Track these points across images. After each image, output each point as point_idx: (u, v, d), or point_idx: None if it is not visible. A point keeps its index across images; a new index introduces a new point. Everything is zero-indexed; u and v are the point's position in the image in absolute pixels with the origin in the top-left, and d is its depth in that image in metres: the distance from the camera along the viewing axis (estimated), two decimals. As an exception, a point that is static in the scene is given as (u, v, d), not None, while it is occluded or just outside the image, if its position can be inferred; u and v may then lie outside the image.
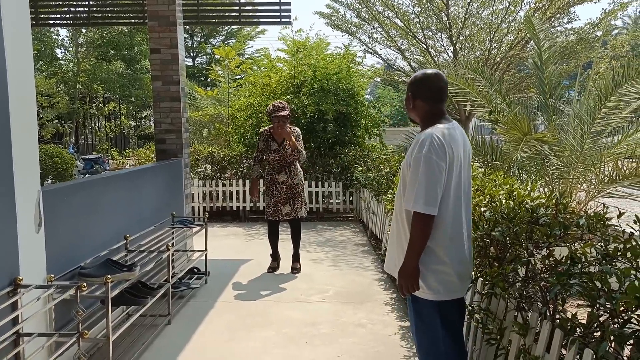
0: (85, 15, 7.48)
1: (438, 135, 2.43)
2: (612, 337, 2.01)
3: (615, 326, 2.10)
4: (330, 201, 9.24)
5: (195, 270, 5.43)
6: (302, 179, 5.90)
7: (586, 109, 6.00)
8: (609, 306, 2.06)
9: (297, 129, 5.85)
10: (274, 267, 5.92)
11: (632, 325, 2.04)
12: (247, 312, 4.63)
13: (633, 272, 2.23)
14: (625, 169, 5.10)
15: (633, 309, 2.00)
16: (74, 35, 23.26)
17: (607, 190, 5.66)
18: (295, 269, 5.85)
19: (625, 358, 2.09)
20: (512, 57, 11.96)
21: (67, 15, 7.68)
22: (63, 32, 24.60)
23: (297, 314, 4.56)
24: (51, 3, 7.48)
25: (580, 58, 11.76)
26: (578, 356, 2.19)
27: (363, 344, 3.94)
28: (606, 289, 2.08)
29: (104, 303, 3.14)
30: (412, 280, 2.44)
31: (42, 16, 7.43)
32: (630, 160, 5.33)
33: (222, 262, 6.23)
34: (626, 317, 2.04)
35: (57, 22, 8.46)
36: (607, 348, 1.98)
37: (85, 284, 2.91)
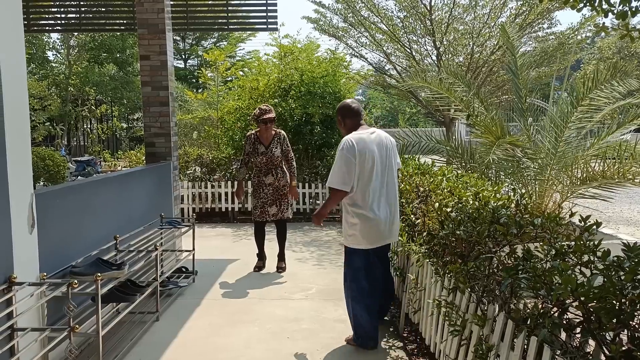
0: (76, 21, 7.66)
1: (350, 139, 3.78)
2: (551, 325, 2.23)
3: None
4: (317, 202, 9.45)
5: (184, 269, 5.62)
6: (289, 180, 6.10)
7: (560, 113, 6.24)
8: (549, 297, 2.27)
9: (283, 132, 6.06)
10: (260, 266, 6.12)
11: (573, 314, 2.26)
12: (232, 309, 4.83)
13: (578, 267, 2.46)
14: (593, 171, 5.34)
15: (570, 299, 2.22)
16: (65, 38, 23.34)
17: (579, 192, 5.91)
18: (281, 268, 6.05)
19: (573, 343, 2.31)
20: (494, 61, 12.23)
21: (59, 22, 7.85)
22: (54, 35, 24.69)
23: (280, 311, 4.77)
24: (42, 9, 7.65)
25: (562, 62, 12.05)
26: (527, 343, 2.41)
27: (342, 338, 4.14)
28: (546, 282, 2.30)
29: (95, 300, 3.34)
30: (319, 220, 3.97)
31: (33, 22, 7.59)
32: (600, 162, 5.57)
33: (210, 261, 6.43)
34: (564, 307, 2.26)
35: (48, 28, 8.62)
36: (548, 334, 2.20)
37: (76, 281, 3.11)
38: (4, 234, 2.90)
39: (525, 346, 2.43)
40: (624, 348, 1.95)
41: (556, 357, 2.19)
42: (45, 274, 3.26)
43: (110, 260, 4.00)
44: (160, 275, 4.56)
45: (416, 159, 6.52)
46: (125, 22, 7.62)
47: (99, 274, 3.25)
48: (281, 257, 6.16)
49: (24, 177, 3.11)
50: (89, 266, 3.56)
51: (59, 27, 8.70)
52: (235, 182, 8.57)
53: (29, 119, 3.24)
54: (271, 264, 6.17)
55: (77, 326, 3.08)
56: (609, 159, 5.62)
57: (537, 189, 6.13)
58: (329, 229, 8.54)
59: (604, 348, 2.09)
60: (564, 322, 2.29)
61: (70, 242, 3.82)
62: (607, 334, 2.08)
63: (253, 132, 6.10)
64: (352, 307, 3.89)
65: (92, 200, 4.20)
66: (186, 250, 5.77)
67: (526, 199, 3.47)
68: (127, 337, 4.06)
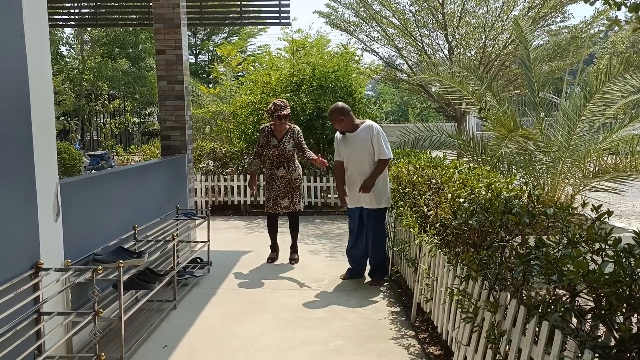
0: (90, 16, 7.77)
1: (374, 123, 5.18)
2: (562, 309, 2.29)
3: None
4: (329, 195, 9.52)
5: (199, 260, 5.73)
6: (301, 174, 6.18)
7: (573, 107, 6.26)
8: (561, 283, 2.33)
9: (297, 127, 6.13)
10: (273, 257, 6.22)
11: (584, 299, 2.32)
12: (247, 299, 4.92)
13: (589, 254, 2.51)
14: (605, 164, 5.37)
15: (581, 285, 2.27)
16: (79, 33, 23.55)
17: (592, 184, 5.94)
18: (293, 260, 6.14)
19: (585, 329, 2.37)
20: (506, 55, 12.22)
21: (72, 17, 7.96)
22: (68, 30, 24.92)
23: (293, 301, 4.85)
24: (56, 4, 7.76)
25: (575, 56, 12.01)
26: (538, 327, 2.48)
27: (355, 327, 4.23)
28: (558, 268, 2.36)
29: (116, 287, 3.44)
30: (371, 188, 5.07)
31: (49, 17, 7.70)
32: (612, 155, 5.60)
33: (224, 253, 6.53)
34: (575, 292, 2.32)
35: (62, 23, 8.74)
36: (559, 319, 2.26)
37: (100, 267, 3.21)
38: (31, 221, 3.01)
39: (537, 331, 2.49)
40: (634, 331, 2.01)
41: (567, 341, 2.26)
42: (69, 260, 3.36)
43: (129, 249, 4.10)
44: (177, 265, 4.67)
45: (427, 153, 6.57)
46: (138, 16, 7.72)
47: (121, 261, 3.36)
48: (294, 249, 6.25)
49: (49, 167, 3.21)
50: (111, 254, 3.66)
51: (73, 22, 8.83)
52: (248, 175, 8.69)
53: (54, 112, 3.34)
54: (284, 256, 6.26)
55: (101, 310, 3.18)
56: (622, 152, 5.65)
57: (549, 182, 6.16)
58: (341, 222, 8.61)
59: (614, 332, 2.15)
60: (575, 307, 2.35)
61: (92, 231, 3.93)
62: (617, 318, 2.14)
63: (268, 124, 6.18)
64: (387, 249, 5.34)
65: (111, 191, 4.31)
66: (201, 242, 5.87)
67: (539, 189, 3.52)
68: (147, 323, 4.17)
